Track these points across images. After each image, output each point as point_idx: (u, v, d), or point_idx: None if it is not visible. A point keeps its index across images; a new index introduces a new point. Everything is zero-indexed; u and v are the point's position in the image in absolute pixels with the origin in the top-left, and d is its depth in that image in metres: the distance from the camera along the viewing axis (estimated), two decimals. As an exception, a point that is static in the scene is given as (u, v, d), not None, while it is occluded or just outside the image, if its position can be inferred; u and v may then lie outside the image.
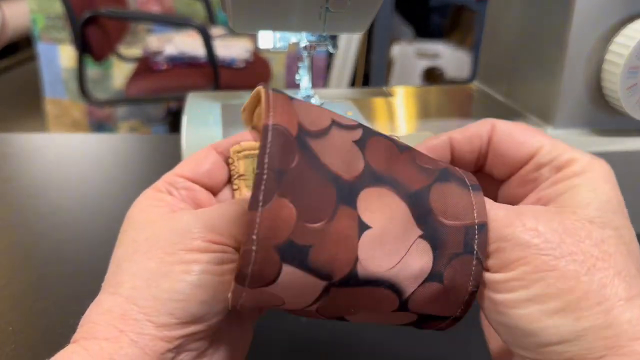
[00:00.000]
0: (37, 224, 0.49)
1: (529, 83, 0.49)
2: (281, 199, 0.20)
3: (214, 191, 0.28)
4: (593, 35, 0.42)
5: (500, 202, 0.25)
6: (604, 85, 0.43)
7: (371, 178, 0.22)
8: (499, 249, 0.21)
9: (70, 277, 0.42)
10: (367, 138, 0.23)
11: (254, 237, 0.20)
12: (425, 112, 0.51)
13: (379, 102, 0.52)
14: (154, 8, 2.10)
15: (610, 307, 0.20)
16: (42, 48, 2.11)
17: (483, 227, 0.22)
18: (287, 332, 0.36)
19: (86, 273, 0.42)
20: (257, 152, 0.25)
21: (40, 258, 0.44)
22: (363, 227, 0.21)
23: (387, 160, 0.23)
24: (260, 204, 0.20)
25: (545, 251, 0.21)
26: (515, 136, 0.25)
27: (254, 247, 0.20)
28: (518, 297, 0.21)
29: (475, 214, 0.22)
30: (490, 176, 0.27)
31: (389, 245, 0.21)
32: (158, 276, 0.22)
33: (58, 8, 1.97)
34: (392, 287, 0.21)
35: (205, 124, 0.44)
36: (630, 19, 0.42)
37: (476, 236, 0.22)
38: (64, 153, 0.63)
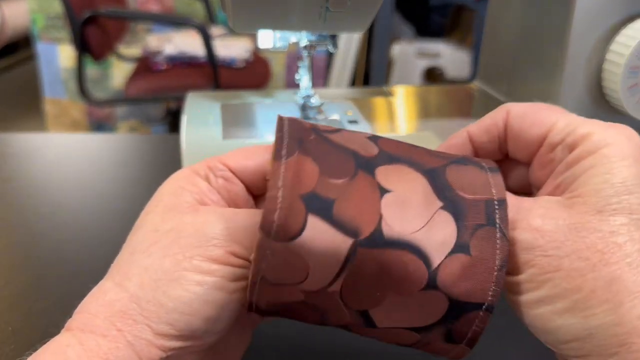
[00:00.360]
0: (36, 223, 0.49)
1: (529, 83, 0.48)
2: (302, 156, 0.21)
3: (255, 192, 0.26)
4: (593, 35, 0.42)
5: (532, 187, 0.24)
6: (605, 85, 0.43)
7: (387, 158, 0.22)
8: None
9: (70, 277, 0.42)
10: (379, 137, 0.24)
11: (280, 184, 0.20)
12: (425, 111, 0.51)
13: (379, 102, 0.52)
14: (154, 7, 2.10)
15: (619, 303, 0.19)
16: (41, 48, 2.11)
17: (503, 202, 0.22)
18: (285, 338, 0.36)
19: (86, 273, 0.42)
20: None
21: (40, 258, 0.44)
22: (383, 191, 0.21)
23: (400, 148, 0.23)
24: (284, 156, 0.21)
25: (550, 252, 0.20)
26: (528, 117, 0.24)
27: (279, 194, 0.20)
28: (530, 299, 0.21)
29: (494, 191, 0.22)
30: (518, 161, 0.26)
31: (412, 210, 0.21)
32: (169, 280, 0.21)
33: (57, 8, 1.97)
34: (418, 252, 0.21)
35: (205, 123, 0.44)
36: (630, 19, 0.42)
37: (497, 210, 0.21)
38: (64, 153, 0.62)
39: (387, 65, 2.15)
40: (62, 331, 0.21)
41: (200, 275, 0.21)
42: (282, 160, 0.21)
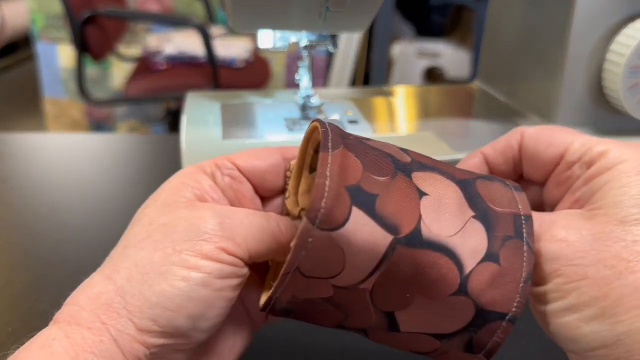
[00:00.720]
0: (36, 224, 0.49)
1: (529, 83, 0.48)
2: (347, 152, 0.21)
3: (263, 194, 0.26)
4: (594, 35, 0.42)
5: (545, 206, 0.25)
6: (605, 84, 0.43)
7: (420, 166, 0.23)
8: None
9: (70, 277, 0.42)
10: (407, 149, 0.24)
11: (327, 173, 0.20)
12: (425, 111, 0.51)
13: (379, 102, 0.52)
14: (153, 7, 2.10)
15: None
16: (41, 47, 2.10)
17: (529, 218, 0.22)
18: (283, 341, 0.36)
19: (86, 273, 0.42)
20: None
21: (40, 258, 0.44)
22: (421, 193, 0.22)
23: (429, 160, 0.24)
24: (330, 148, 0.21)
25: (576, 261, 0.21)
26: (543, 138, 0.25)
27: (327, 182, 0.20)
28: (556, 308, 0.21)
29: (520, 206, 0.23)
30: (532, 182, 0.27)
31: (448, 215, 0.21)
32: (155, 274, 0.21)
33: (57, 7, 1.97)
34: (453, 256, 0.21)
35: (204, 123, 0.44)
36: (631, 19, 0.42)
37: (524, 225, 0.22)
38: (63, 153, 0.62)
39: (387, 65, 2.15)
40: (50, 324, 0.21)
41: (186, 270, 0.21)
42: (329, 151, 0.21)
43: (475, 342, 0.22)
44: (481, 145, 0.43)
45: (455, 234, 0.21)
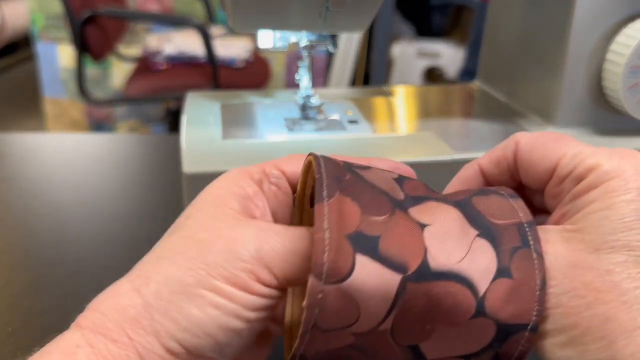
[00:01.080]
0: (36, 224, 0.49)
1: (529, 82, 0.48)
2: (343, 197, 0.21)
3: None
4: (594, 35, 0.42)
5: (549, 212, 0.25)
6: (605, 84, 0.43)
7: (414, 200, 0.23)
8: None
9: (70, 277, 0.42)
10: (404, 179, 0.24)
11: (325, 225, 0.20)
12: (425, 111, 0.51)
13: (379, 102, 0.52)
14: (153, 7, 2.10)
15: (613, 341, 0.20)
16: (41, 47, 2.10)
17: (531, 224, 0.22)
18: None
19: (85, 273, 0.42)
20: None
21: (39, 258, 0.44)
22: (422, 225, 0.22)
23: (422, 190, 0.24)
24: (325, 197, 0.21)
25: (550, 289, 0.21)
26: (537, 150, 0.24)
27: (326, 236, 0.20)
28: None
29: (521, 214, 0.23)
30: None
31: (453, 241, 0.21)
32: (186, 296, 0.20)
33: (57, 7, 1.97)
34: (465, 281, 0.21)
35: (205, 123, 0.44)
36: (631, 19, 0.42)
37: (529, 232, 0.22)
38: (63, 153, 0.62)
39: (387, 65, 2.15)
40: (72, 327, 0.21)
41: (219, 297, 0.20)
42: (325, 201, 0.21)
43: (502, 355, 0.22)
44: (481, 145, 0.43)
45: (463, 258, 0.21)
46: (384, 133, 0.45)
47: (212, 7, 1.94)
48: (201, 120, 0.44)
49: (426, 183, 0.25)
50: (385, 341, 0.22)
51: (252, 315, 0.21)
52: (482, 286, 0.21)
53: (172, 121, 1.90)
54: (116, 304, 0.21)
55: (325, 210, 0.20)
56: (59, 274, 0.42)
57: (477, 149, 0.41)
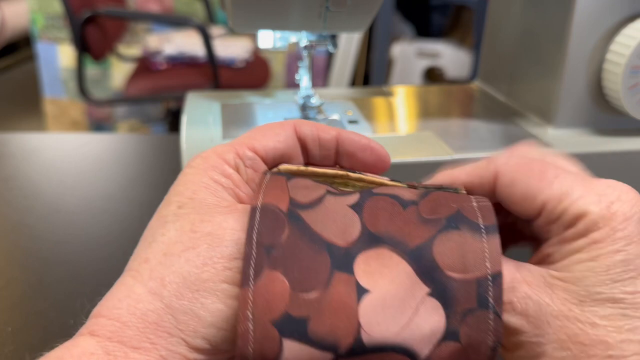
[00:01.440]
0: (36, 224, 0.49)
1: (529, 82, 0.48)
2: (272, 272, 0.20)
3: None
4: (594, 35, 0.42)
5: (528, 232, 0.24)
6: (605, 85, 0.43)
7: (368, 241, 0.21)
8: None
9: (70, 277, 0.42)
10: (365, 200, 0.22)
11: (249, 314, 0.19)
12: (425, 111, 0.51)
13: (379, 102, 0.52)
14: (153, 7, 2.10)
15: None
16: (41, 47, 2.11)
17: (497, 277, 0.20)
18: None
19: (86, 273, 0.42)
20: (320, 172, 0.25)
21: (40, 258, 0.44)
22: (362, 291, 0.20)
23: (387, 219, 0.22)
24: (252, 280, 0.20)
25: (534, 338, 0.21)
26: (518, 186, 0.23)
27: (250, 326, 0.19)
28: None
29: (488, 264, 0.21)
30: None
31: (393, 308, 0.20)
32: (207, 291, 0.20)
33: (57, 7, 1.97)
34: (404, 351, 0.20)
35: (205, 123, 0.44)
36: (631, 19, 0.42)
37: (490, 288, 0.20)
38: (63, 153, 0.62)
39: (387, 65, 2.15)
40: (85, 334, 0.20)
41: (238, 287, 0.20)
42: (250, 286, 0.20)
43: None
44: (481, 145, 0.43)
45: (404, 326, 0.20)
46: (384, 133, 0.45)
47: (212, 7, 1.94)
48: (201, 120, 0.44)
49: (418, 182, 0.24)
50: None
51: None
52: (424, 351, 0.20)
53: (172, 121, 1.90)
54: (135, 310, 0.20)
55: (249, 297, 0.20)
56: (58, 275, 0.42)
57: (477, 149, 0.41)
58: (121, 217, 0.48)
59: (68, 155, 0.62)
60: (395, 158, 0.39)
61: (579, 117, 0.45)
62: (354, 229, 0.22)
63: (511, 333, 0.21)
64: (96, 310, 0.21)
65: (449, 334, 0.20)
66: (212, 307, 0.20)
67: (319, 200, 0.22)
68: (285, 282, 0.20)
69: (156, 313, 0.20)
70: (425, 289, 0.20)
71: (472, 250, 0.21)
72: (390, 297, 0.20)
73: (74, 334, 0.21)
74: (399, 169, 0.38)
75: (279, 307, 0.20)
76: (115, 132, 2.24)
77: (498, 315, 0.20)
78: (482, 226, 0.21)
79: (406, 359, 0.20)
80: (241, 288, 0.20)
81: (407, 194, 0.23)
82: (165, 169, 0.57)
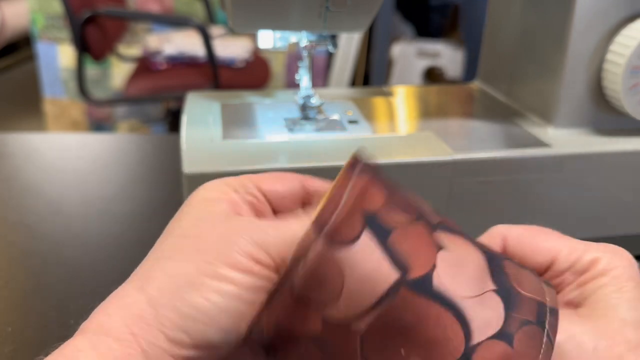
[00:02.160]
0: (36, 224, 0.49)
1: (529, 83, 0.48)
2: (374, 181, 0.21)
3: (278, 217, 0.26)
4: (594, 35, 0.42)
5: None
6: (605, 85, 0.43)
7: (447, 229, 0.22)
8: None
9: (70, 277, 0.42)
10: (444, 218, 0.23)
11: (346, 191, 0.19)
12: (425, 111, 0.51)
13: (379, 102, 0.52)
14: (153, 7, 2.10)
15: None
16: (41, 47, 2.10)
17: (554, 311, 0.21)
18: None
19: (86, 274, 0.42)
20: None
21: (40, 258, 0.44)
22: (439, 247, 0.20)
23: (460, 230, 0.23)
24: (356, 172, 0.20)
25: (582, 359, 0.21)
26: (526, 244, 0.25)
27: (344, 197, 0.19)
28: None
29: (547, 298, 0.21)
30: None
31: (465, 276, 0.20)
32: (188, 286, 0.21)
33: (57, 7, 1.97)
34: (463, 320, 0.19)
35: (205, 123, 0.44)
36: (631, 19, 0.42)
37: (547, 315, 0.20)
38: (63, 153, 0.62)
39: (387, 65, 2.15)
40: (76, 334, 0.21)
41: (220, 282, 0.21)
42: (354, 175, 0.20)
43: None
44: (481, 145, 0.43)
45: (470, 298, 0.19)
46: (384, 133, 0.45)
47: (212, 7, 1.94)
48: (201, 120, 0.44)
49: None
50: (352, 347, 0.19)
51: (253, 297, 0.21)
52: (478, 336, 0.19)
53: (172, 121, 1.90)
54: (120, 304, 0.21)
55: (351, 182, 0.20)
56: (58, 275, 0.42)
57: (477, 149, 0.41)
58: (121, 217, 0.48)
59: (68, 155, 0.62)
60: (396, 158, 0.39)
61: (579, 117, 0.45)
62: (436, 217, 0.22)
63: (557, 356, 0.21)
64: (92, 313, 0.22)
65: (504, 335, 0.19)
66: (191, 300, 0.21)
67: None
68: (383, 194, 0.20)
69: (138, 305, 0.21)
70: (492, 286, 0.20)
71: (534, 283, 0.22)
72: (464, 266, 0.20)
73: (73, 334, 0.21)
74: (399, 169, 0.38)
75: (372, 204, 0.20)
76: (115, 132, 2.25)
77: (551, 342, 0.20)
78: (540, 278, 0.23)
79: (460, 331, 0.19)
80: (344, 172, 0.20)
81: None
82: (165, 169, 0.57)
